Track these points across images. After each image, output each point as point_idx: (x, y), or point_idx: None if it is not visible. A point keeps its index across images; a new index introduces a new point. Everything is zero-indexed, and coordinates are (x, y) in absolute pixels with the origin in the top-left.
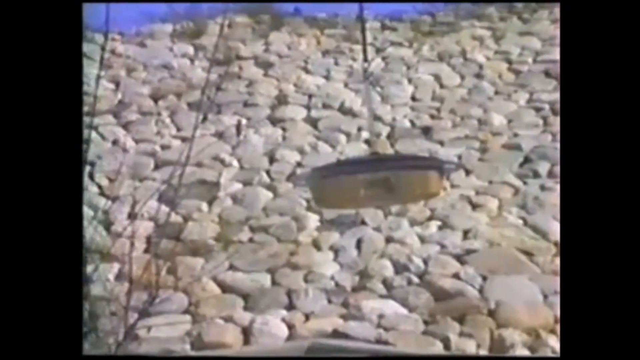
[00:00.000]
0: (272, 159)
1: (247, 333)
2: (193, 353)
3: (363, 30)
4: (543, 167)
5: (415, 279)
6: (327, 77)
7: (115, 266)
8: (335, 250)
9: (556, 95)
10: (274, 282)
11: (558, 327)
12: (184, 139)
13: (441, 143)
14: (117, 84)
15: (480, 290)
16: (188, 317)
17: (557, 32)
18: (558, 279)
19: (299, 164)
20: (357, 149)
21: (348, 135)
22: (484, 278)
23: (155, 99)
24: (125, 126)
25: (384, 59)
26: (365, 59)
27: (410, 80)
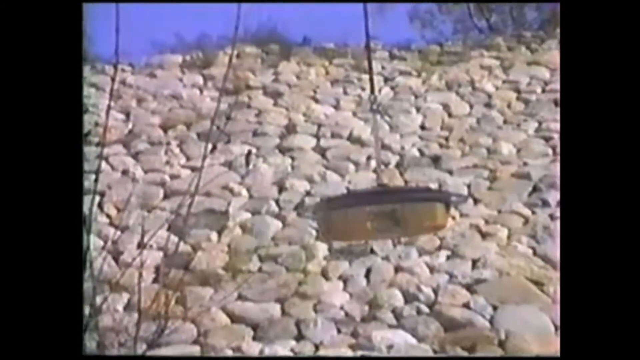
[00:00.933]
0: (281, 188)
1: None
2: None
3: (369, 60)
4: (552, 197)
5: (425, 309)
6: (336, 107)
7: (125, 296)
8: (345, 280)
9: None
10: (283, 312)
11: None
12: (193, 169)
13: (450, 172)
14: (127, 114)
15: (491, 320)
16: (197, 348)
17: None
18: None
19: (308, 193)
20: (366, 178)
21: (357, 164)
22: (494, 308)
23: (165, 128)
24: (135, 156)
25: (392, 88)
26: (372, 90)
27: (419, 110)
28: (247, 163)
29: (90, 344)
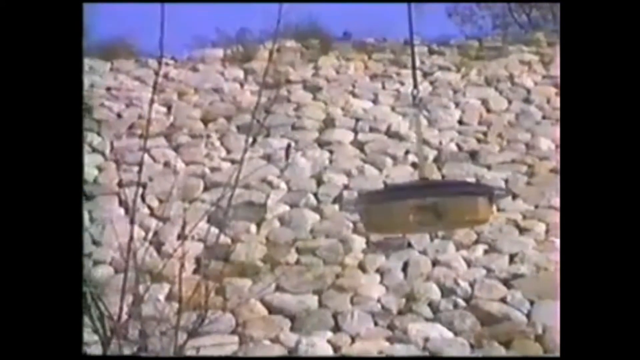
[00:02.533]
0: (319, 182)
1: (293, 354)
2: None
3: (413, 56)
4: None
5: (462, 303)
6: (374, 101)
7: (166, 286)
8: (382, 273)
9: None
10: (320, 304)
11: None
12: (233, 161)
13: (488, 167)
14: (169, 108)
15: (528, 315)
16: (235, 338)
17: None
18: None
19: (345, 187)
20: (403, 172)
21: (394, 158)
22: (531, 302)
23: (206, 122)
24: (176, 148)
25: (431, 83)
26: (415, 85)
27: (457, 105)
28: (287, 156)
29: (132, 332)
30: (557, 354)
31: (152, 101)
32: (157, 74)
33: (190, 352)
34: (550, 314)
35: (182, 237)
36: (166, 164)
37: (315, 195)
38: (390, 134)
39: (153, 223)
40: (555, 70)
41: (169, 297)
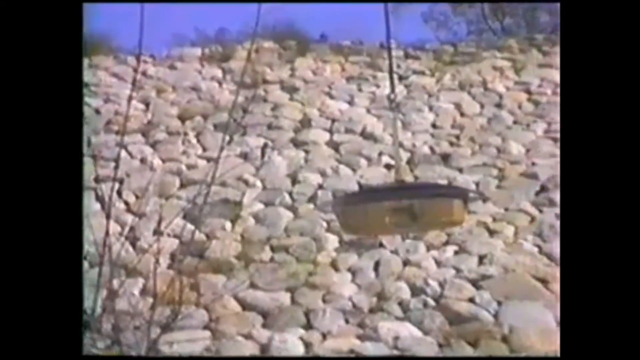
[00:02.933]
0: (294, 181)
1: (265, 350)
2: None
3: (390, 60)
4: (559, 196)
5: (431, 302)
6: (350, 103)
7: (140, 281)
8: (354, 272)
9: None
10: (292, 301)
11: None
12: (209, 159)
13: (460, 170)
14: (147, 105)
15: (495, 315)
16: (208, 334)
17: None
18: None
19: (320, 186)
20: (377, 174)
21: (369, 159)
22: (499, 303)
23: (183, 119)
24: (153, 145)
25: (406, 86)
26: (392, 89)
27: (431, 108)
28: (263, 155)
29: (106, 326)
30: (523, 354)
31: (130, 98)
32: (135, 71)
33: (163, 347)
34: (517, 315)
35: (157, 233)
36: (143, 161)
37: (290, 194)
38: (365, 135)
39: (129, 218)
40: (527, 77)
41: (143, 292)
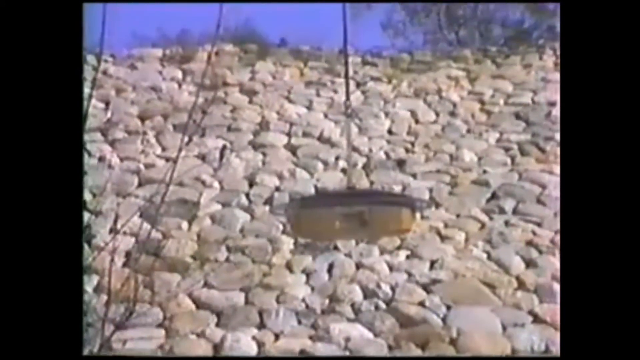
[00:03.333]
0: (251, 183)
1: (218, 349)
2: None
3: (346, 67)
4: (509, 204)
5: (383, 305)
6: (308, 107)
7: (94, 279)
8: (308, 274)
9: (525, 136)
10: (247, 301)
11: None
12: (167, 159)
13: (414, 176)
14: (107, 104)
15: (444, 319)
16: (162, 332)
17: (528, 78)
18: (517, 312)
19: (277, 189)
20: (333, 177)
21: (325, 163)
22: (448, 307)
23: (143, 119)
24: (112, 144)
25: (363, 92)
26: (348, 96)
27: (387, 115)
28: (222, 157)
29: None
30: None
31: (90, 96)
32: (95, 70)
33: (116, 345)
34: (465, 319)
35: (114, 231)
36: (101, 159)
37: (247, 195)
38: (322, 139)
39: (86, 216)
40: (480, 87)
41: (97, 289)
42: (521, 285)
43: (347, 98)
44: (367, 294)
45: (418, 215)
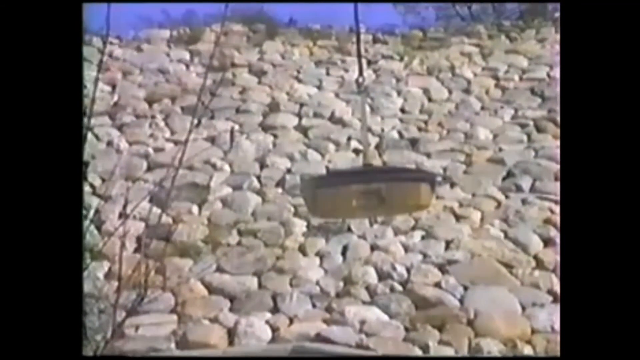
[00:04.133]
0: (262, 165)
1: (232, 334)
2: (178, 352)
3: (358, 44)
4: (525, 182)
5: (398, 287)
6: (318, 87)
7: (105, 265)
8: (321, 256)
9: (541, 112)
10: (260, 286)
11: (534, 338)
12: (176, 142)
13: (428, 155)
14: (114, 87)
15: (461, 300)
16: (174, 317)
17: (544, 52)
18: (536, 291)
19: (288, 171)
20: (345, 158)
21: (337, 144)
22: (465, 288)
23: (150, 102)
24: (120, 128)
25: (375, 71)
26: (361, 72)
27: (399, 93)
28: (232, 140)
29: None
30: (488, 339)
31: (96, 79)
32: (101, 52)
33: (129, 330)
34: (482, 300)
35: (123, 216)
36: (109, 143)
37: (258, 178)
38: (334, 120)
39: (95, 201)
40: (494, 63)
41: (108, 276)
42: (539, 264)
43: (360, 74)
44: (382, 276)
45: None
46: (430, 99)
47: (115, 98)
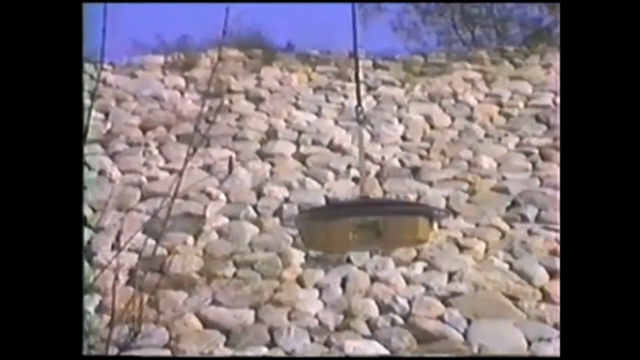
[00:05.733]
0: (259, 194)
1: None
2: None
3: (357, 70)
4: (531, 212)
5: (400, 320)
6: (317, 114)
7: (97, 298)
8: (320, 288)
9: (546, 140)
10: (256, 319)
11: None
12: (171, 171)
13: (430, 184)
14: (107, 114)
15: (464, 334)
16: (168, 352)
17: (548, 78)
18: (542, 325)
19: (286, 200)
20: (345, 187)
21: (336, 172)
22: (469, 321)
23: (144, 129)
24: (113, 156)
25: (375, 97)
26: (359, 101)
27: (400, 120)
28: (230, 170)
29: None
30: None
31: (90, 108)
32: (95, 79)
33: None
34: (486, 333)
35: (116, 247)
36: (101, 172)
37: (255, 207)
38: (333, 147)
39: (87, 233)
40: (498, 89)
41: (99, 310)
42: (546, 296)
43: (359, 103)
44: (383, 309)
45: (435, 224)
46: (432, 126)
47: (109, 126)
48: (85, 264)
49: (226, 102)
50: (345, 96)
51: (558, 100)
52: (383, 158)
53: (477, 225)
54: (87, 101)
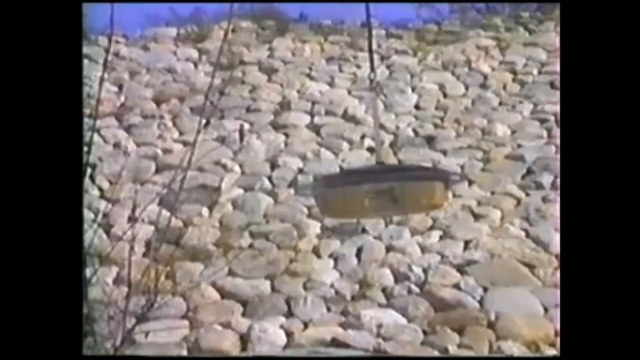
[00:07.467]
0: (273, 165)
1: (245, 340)
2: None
3: (370, 39)
4: (546, 179)
5: (415, 289)
6: (330, 84)
7: (114, 270)
8: (335, 258)
9: None
10: (273, 289)
11: (558, 340)
12: (185, 143)
13: (444, 152)
14: (120, 87)
15: (481, 302)
16: (186, 323)
17: None
18: (558, 292)
19: (300, 171)
20: (359, 157)
21: (351, 142)
22: (485, 289)
23: (158, 102)
24: (127, 129)
25: (388, 67)
26: (372, 68)
27: (414, 89)
28: (241, 139)
29: None
30: (510, 341)
31: (102, 80)
32: (107, 51)
33: (139, 337)
34: (503, 301)
35: (132, 219)
36: (116, 145)
37: (269, 178)
38: (347, 117)
39: (102, 205)
40: (512, 56)
41: (117, 281)
42: None
43: (372, 71)
44: (399, 277)
45: (450, 192)
46: (445, 95)
47: (122, 99)
48: (103, 236)
49: (239, 73)
50: (358, 66)
51: None
52: (397, 127)
53: (492, 193)
54: (99, 74)
